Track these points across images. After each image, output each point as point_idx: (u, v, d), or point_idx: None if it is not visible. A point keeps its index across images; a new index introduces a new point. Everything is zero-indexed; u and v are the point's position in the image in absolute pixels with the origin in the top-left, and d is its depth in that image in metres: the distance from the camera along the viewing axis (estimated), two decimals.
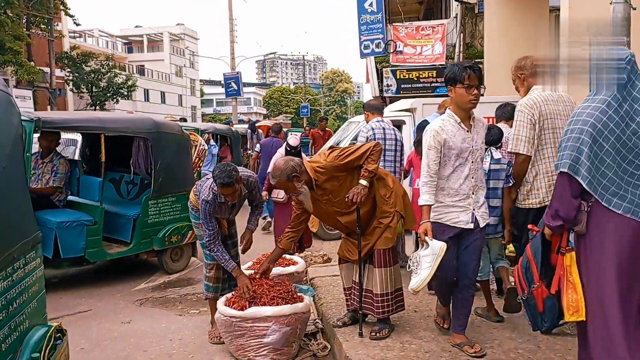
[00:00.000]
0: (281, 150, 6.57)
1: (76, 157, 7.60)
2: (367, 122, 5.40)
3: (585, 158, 2.39)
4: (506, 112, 4.68)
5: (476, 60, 13.13)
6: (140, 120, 6.37)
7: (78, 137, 7.83)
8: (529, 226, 3.05)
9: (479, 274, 3.77)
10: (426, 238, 3.12)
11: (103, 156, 5.59)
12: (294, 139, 6.49)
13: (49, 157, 5.91)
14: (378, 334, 3.62)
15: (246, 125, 14.70)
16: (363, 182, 3.55)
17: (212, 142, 11.06)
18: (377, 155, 3.60)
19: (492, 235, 3.86)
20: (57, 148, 6.16)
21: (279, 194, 6.28)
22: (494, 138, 3.93)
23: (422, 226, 3.17)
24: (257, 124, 14.54)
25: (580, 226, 2.48)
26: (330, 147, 3.84)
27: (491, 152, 3.88)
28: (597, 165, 2.40)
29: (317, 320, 4.27)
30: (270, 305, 3.65)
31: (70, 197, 6.02)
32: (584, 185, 2.40)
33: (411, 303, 4.35)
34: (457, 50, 13.18)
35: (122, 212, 6.04)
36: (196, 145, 7.61)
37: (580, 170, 2.40)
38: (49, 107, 25.74)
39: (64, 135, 7.99)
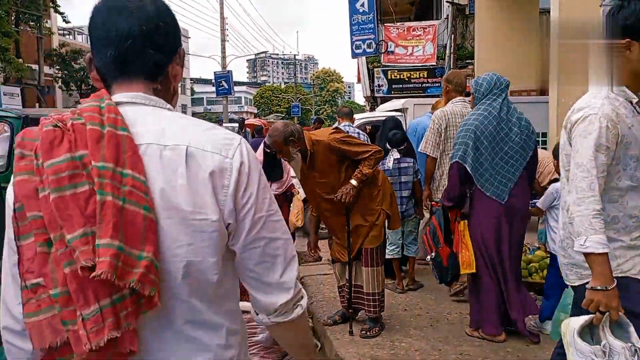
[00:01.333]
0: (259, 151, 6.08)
1: None
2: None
3: (471, 150, 3.31)
4: None
5: (467, 61, 13.23)
6: None
7: None
8: (432, 203, 4.20)
9: (389, 253, 4.66)
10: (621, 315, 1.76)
11: None
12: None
13: None
14: (368, 333, 3.63)
15: (237, 125, 14.68)
16: (354, 182, 3.52)
17: None
18: (375, 161, 3.59)
19: (407, 218, 4.75)
20: None
21: (271, 186, 5.98)
22: (398, 141, 4.71)
23: (606, 296, 1.73)
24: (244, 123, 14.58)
25: (465, 208, 3.43)
26: (336, 128, 3.82)
27: (392, 154, 4.70)
28: (477, 157, 3.32)
29: (308, 319, 4.27)
30: None
31: None
32: (470, 170, 3.32)
33: (401, 302, 4.37)
34: (447, 51, 13.24)
35: None
36: None
37: (467, 159, 3.32)
38: (37, 104, 25.51)
39: None
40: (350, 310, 3.78)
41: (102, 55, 1.06)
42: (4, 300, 1.03)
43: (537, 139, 7.03)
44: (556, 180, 3.65)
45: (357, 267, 3.75)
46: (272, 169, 5.81)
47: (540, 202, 3.62)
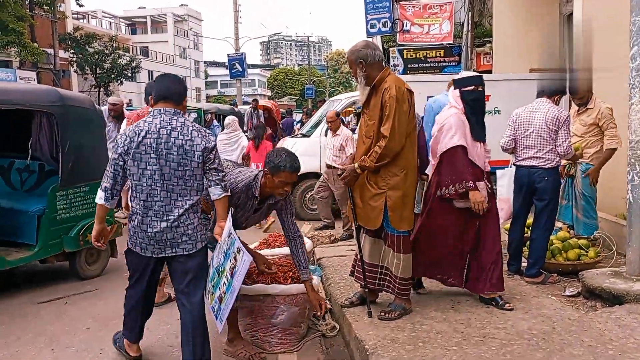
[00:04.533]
0: None
1: None
2: None
3: None
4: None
5: (484, 39, 12.91)
6: (41, 90, 5.09)
7: None
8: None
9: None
10: None
11: None
12: None
13: None
14: (387, 315, 3.55)
15: (249, 106, 14.61)
16: (356, 165, 3.49)
17: (215, 122, 10.75)
18: (380, 157, 3.38)
19: None
20: None
21: None
22: None
23: None
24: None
25: None
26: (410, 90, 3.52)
27: None
28: None
29: (326, 301, 4.20)
30: (284, 284, 3.58)
31: None
32: None
33: None
34: (465, 29, 12.92)
35: (21, 208, 4.87)
36: None
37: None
38: None
39: None
40: (365, 290, 3.70)
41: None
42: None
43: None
44: None
45: (385, 247, 3.65)
46: None
47: None
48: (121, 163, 2.90)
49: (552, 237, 5.03)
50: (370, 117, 3.54)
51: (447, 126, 3.70)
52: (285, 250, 4.74)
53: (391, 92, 3.38)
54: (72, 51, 29.43)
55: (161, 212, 2.89)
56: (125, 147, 2.87)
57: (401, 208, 3.50)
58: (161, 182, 2.87)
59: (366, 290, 3.70)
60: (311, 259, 5.28)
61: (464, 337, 3.21)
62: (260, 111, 13.93)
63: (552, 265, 4.62)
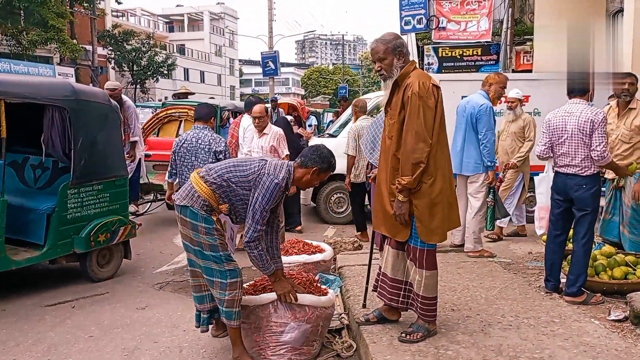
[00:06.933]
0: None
1: None
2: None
3: None
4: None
5: (525, 37, 12.31)
6: (54, 84, 4.91)
7: None
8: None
9: None
10: None
11: (3, 131, 4.23)
12: None
13: None
14: (409, 337, 3.20)
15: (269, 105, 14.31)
16: (400, 197, 3.12)
17: (232, 120, 10.17)
18: (414, 167, 3.04)
19: None
20: None
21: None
22: None
23: None
24: (278, 102, 14.23)
25: None
26: (435, 87, 3.19)
27: None
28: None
29: (343, 316, 3.88)
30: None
31: None
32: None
33: (448, 300, 3.92)
34: (504, 26, 12.34)
35: (31, 206, 4.71)
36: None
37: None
38: (91, 84, 26.07)
39: None
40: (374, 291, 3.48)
41: None
42: None
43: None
44: None
45: (408, 261, 3.32)
46: None
47: None
48: (174, 157, 4.79)
49: (596, 252, 4.57)
50: (391, 116, 3.24)
51: None
52: (302, 258, 4.47)
53: (413, 88, 3.05)
54: (110, 48, 29.94)
55: None
56: (174, 148, 4.75)
57: (429, 219, 3.15)
58: (192, 170, 4.13)
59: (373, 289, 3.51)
60: (331, 267, 4.97)
61: None
62: (282, 110, 13.66)
63: (596, 283, 4.18)
